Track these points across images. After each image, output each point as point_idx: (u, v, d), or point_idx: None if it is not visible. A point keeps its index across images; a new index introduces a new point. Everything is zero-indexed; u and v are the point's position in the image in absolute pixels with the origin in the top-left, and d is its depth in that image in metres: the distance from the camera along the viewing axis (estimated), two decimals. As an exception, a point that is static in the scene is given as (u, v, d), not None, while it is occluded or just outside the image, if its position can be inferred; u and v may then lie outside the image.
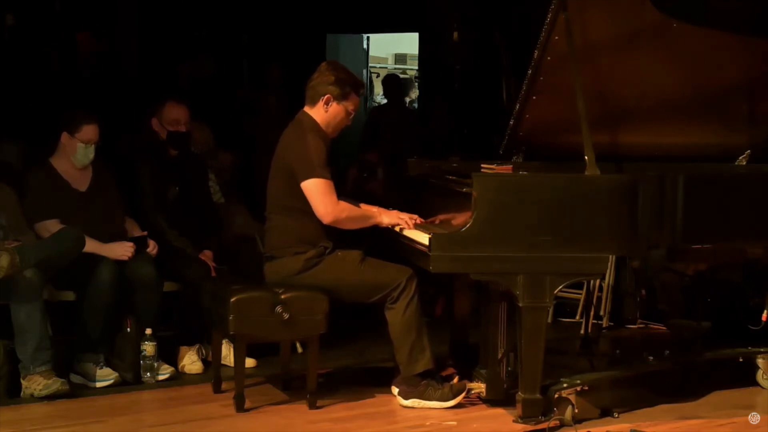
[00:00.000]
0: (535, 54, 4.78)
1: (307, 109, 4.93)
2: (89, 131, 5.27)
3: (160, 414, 4.81)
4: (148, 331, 5.13)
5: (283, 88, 7.64)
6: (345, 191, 5.48)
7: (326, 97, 4.86)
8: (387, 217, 4.90)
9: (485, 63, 9.11)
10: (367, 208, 5.01)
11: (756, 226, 4.88)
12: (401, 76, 11.49)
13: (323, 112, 4.88)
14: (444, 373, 4.99)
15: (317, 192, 4.74)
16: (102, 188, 5.39)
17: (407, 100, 11.13)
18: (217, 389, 5.00)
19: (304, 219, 4.78)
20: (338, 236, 4.85)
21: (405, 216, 4.88)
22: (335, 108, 4.88)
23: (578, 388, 4.65)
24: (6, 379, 4.88)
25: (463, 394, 4.83)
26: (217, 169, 6.30)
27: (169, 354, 5.32)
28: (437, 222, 4.86)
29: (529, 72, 4.86)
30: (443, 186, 4.97)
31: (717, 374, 5.30)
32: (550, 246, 4.44)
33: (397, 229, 4.87)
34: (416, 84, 11.80)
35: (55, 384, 4.79)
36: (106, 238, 5.19)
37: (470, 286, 5.13)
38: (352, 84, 4.92)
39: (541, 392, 4.53)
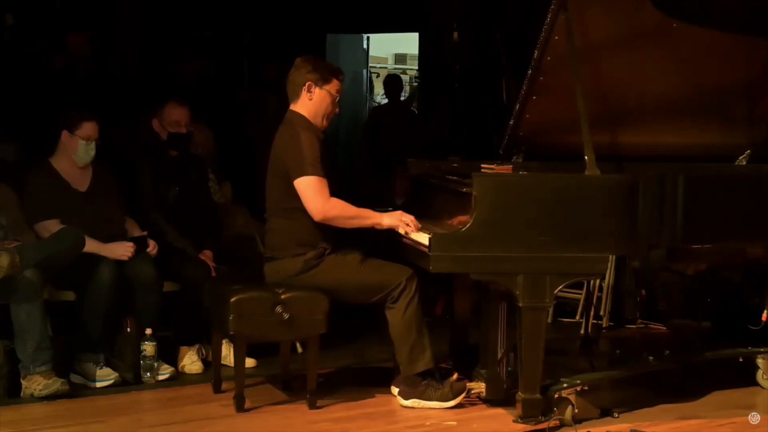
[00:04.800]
0: (535, 54, 4.78)
1: (292, 106, 4.92)
2: (89, 128, 5.28)
3: (160, 414, 4.81)
4: (148, 331, 5.13)
5: (283, 87, 7.64)
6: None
7: (307, 84, 4.85)
8: (388, 219, 4.84)
9: (485, 63, 9.11)
10: (363, 209, 4.96)
11: (756, 226, 4.87)
12: (401, 76, 11.48)
13: (308, 101, 4.87)
14: (443, 366, 5.00)
15: (308, 189, 4.72)
16: (102, 188, 5.39)
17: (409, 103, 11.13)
18: (217, 389, 5.01)
19: (303, 220, 4.78)
20: (338, 237, 4.85)
21: (407, 218, 4.82)
22: (319, 94, 4.87)
23: (578, 388, 4.65)
24: (6, 379, 4.88)
25: (463, 395, 4.83)
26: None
27: (169, 354, 5.32)
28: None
29: (529, 72, 4.86)
30: (443, 186, 4.97)
31: (717, 374, 5.30)
32: (550, 246, 4.44)
33: (401, 231, 4.84)
34: (417, 88, 11.81)
35: (55, 384, 4.79)
36: (106, 238, 5.19)
37: (470, 286, 5.13)
38: (329, 69, 4.92)
39: (541, 392, 4.53)
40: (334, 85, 4.89)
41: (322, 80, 4.86)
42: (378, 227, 4.83)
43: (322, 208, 4.73)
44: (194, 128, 5.85)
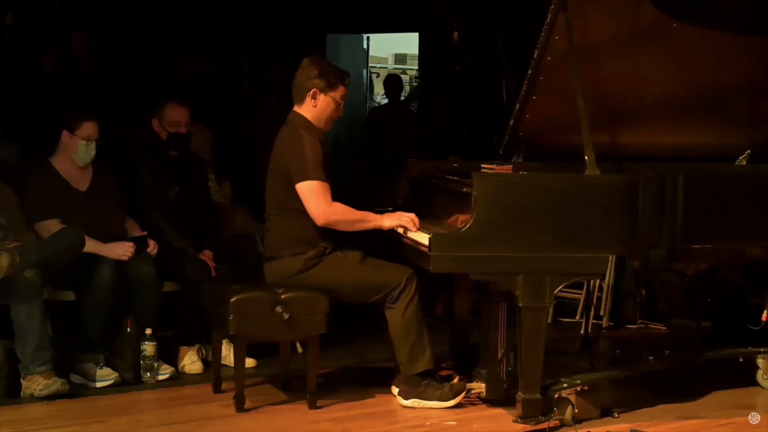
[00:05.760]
0: (535, 54, 4.78)
1: (296, 108, 4.92)
2: (89, 128, 5.28)
3: (160, 414, 4.81)
4: (148, 331, 5.13)
5: (284, 88, 7.65)
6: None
7: (312, 91, 4.85)
8: (389, 220, 4.85)
9: (485, 63, 9.11)
10: (365, 213, 4.97)
11: (756, 226, 4.88)
12: (401, 76, 11.47)
13: (312, 107, 4.87)
14: (443, 374, 5.00)
15: (310, 193, 4.72)
16: (102, 188, 5.39)
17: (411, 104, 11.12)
18: (217, 389, 5.01)
19: (303, 220, 4.78)
20: (338, 237, 4.85)
21: (408, 216, 4.83)
22: (323, 100, 4.86)
23: (578, 388, 4.65)
24: (6, 379, 4.89)
25: (463, 394, 4.83)
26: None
27: (169, 354, 5.32)
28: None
29: (529, 72, 4.86)
30: (443, 186, 4.97)
31: (717, 374, 5.30)
32: (550, 246, 4.44)
33: (400, 230, 4.85)
34: (416, 88, 11.80)
35: (55, 384, 4.79)
36: (106, 238, 5.19)
37: (470, 286, 5.12)
38: (336, 75, 4.90)
39: (541, 392, 4.53)
40: (339, 92, 4.89)
41: (328, 87, 4.85)
42: (380, 229, 4.85)
43: (324, 213, 4.73)
44: (195, 132, 5.84)
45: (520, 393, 4.54)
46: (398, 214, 4.88)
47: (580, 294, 6.75)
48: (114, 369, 5.08)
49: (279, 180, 4.85)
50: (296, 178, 4.74)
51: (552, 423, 4.50)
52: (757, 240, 4.97)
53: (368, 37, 12.03)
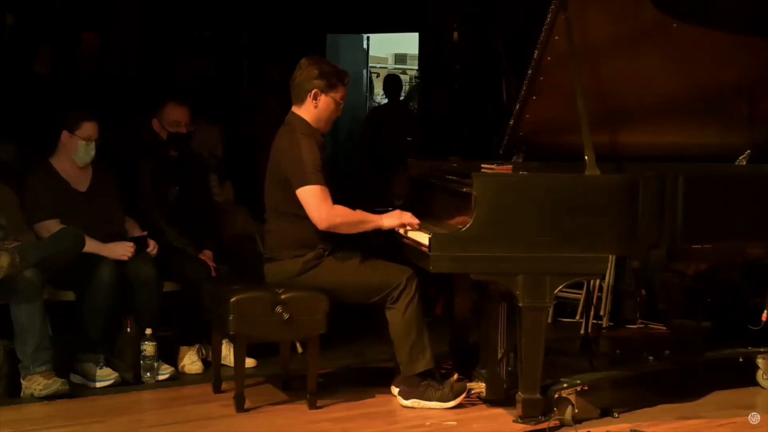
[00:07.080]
0: (535, 54, 4.78)
1: (295, 108, 4.91)
2: (89, 128, 5.27)
3: (160, 414, 4.81)
4: (148, 331, 5.13)
5: (284, 88, 7.64)
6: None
7: (313, 92, 4.84)
8: (388, 220, 4.85)
9: (485, 63, 9.11)
10: (365, 213, 4.97)
11: (756, 226, 4.88)
12: (401, 76, 11.47)
13: (312, 108, 4.86)
14: (443, 371, 5.00)
15: (311, 198, 4.71)
16: (102, 188, 5.39)
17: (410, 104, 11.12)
18: (217, 389, 5.01)
19: (302, 223, 4.77)
20: (338, 238, 4.84)
21: (407, 216, 4.85)
22: (324, 101, 4.85)
23: (578, 388, 4.65)
24: (6, 379, 4.89)
25: (464, 395, 4.83)
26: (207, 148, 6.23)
27: (169, 354, 5.32)
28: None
29: (529, 72, 4.86)
30: (443, 186, 4.97)
31: (717, 374, 5.30)
32: (550, 246, 4.44)
33: (401, 231, 4.85)
34: (415, 87, 11.81)
35: (55, 384, 4.79)
36: (106, 238, 5.19)
37: (470, 286, 5.13)
38: (336, 75, 4.88)
39: (541, 392, 4.53)
40: (339, 92, 4.88)
41: (329, 87, 4.84)
42: (380, 229, 4.84)
43: (327, 217, 4.73)
44: (204, 128, 5.85)
45: (520, 393, 4.54)
46: (397, 212, 4.88)
47: (580, 294, 6.75)
48: (114, 369, 5.08)
49: (277, 183, 4.84)
50: (296, 184, 4.73)
51: (552, 423, 4.50)
52: (757, 240, 4.97)
53: (368, 37, 12.03)
